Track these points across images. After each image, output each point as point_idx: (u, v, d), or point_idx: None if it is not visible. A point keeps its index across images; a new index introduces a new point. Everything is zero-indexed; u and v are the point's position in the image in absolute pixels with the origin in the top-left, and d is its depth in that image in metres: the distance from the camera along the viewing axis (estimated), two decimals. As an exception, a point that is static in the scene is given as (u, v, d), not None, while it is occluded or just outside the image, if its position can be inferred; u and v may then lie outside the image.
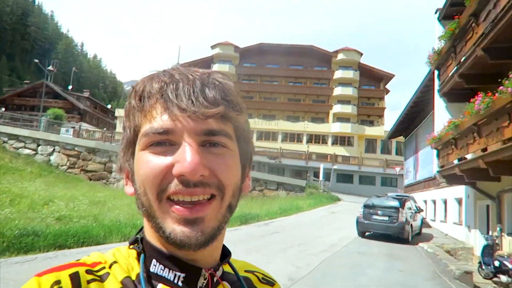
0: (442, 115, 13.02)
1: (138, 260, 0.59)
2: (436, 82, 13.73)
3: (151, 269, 0.58)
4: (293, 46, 50.05)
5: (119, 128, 46.27)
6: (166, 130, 0.54)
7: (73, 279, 0.51)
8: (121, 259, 0.59)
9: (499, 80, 7.12)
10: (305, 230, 13.89)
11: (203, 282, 0.59)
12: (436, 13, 14.25)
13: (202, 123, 0.54)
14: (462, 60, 10.48)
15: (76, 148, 21.16)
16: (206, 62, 50.71)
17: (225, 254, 0.66)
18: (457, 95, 12.40)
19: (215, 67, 49.65)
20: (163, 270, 0.57)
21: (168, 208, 0.54)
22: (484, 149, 8.39)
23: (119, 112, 48.84)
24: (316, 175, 35.18)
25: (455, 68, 11.11)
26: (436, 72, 13.69)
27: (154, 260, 0.58)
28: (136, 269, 0.58)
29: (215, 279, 0.61)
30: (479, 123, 8.42)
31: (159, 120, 0.54)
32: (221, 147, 0.56)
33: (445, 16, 13.12)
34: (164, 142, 0.54)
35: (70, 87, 54.09)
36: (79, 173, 20.84)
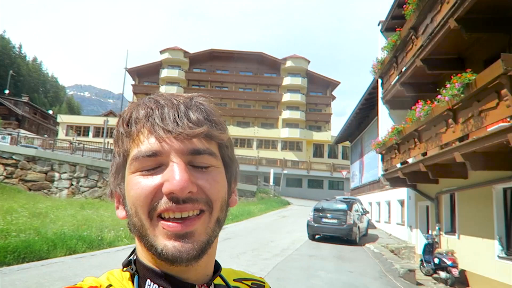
0: (385, 121, 13.71)
1: (132, 282, 0.60)
2: (380, 90, 14.45)
3: None
4: (243, 53, 50.42)
5: (61, 134, 43.85)
6: (154, 152, 0.56)
7: None
8: (116, 282, 0.60)
9: (437, 89, 7.64)
10: (258, 235, 13.98)
11: None
12: (379, 25, 15.03)
13: (187, 143, 0.57)
14: (403, 70, 11.11)
15: (14, 157, 19.70)
16: (155, 67, 49.64)
17: (216, 267, 0.67)
18: (399, 103, 13.13)
19: (164, 72, 48.74)
20: None
21: (159, 225, 0.55)
22: (424, 154, 8.94)
23: (62, 118, 46.32)
24: (267, 180, 35.58)
25: (397, 77, 11.75)
26: (379, 81, 14.40)
27: (148, 280, 0.59)
28: None
29: None
30: (419, 129, 8.96)
31: (147, 143, 0.57)
32: (207, 165, 0.59)
33: (387, 28, 13.88)
34: (152, 165, 0.57)
35: (6, 91, 50.24)
36: (18, 183, 19.41)
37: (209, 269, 0.64)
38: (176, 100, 0.60)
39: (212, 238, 0.59)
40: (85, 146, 26.17)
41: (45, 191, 19.72)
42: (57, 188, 20.05)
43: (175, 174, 0.54)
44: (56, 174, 20.19)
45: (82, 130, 44.65)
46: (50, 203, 15.24)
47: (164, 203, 0.55)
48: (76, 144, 26.90)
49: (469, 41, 8.49)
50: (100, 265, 7.60)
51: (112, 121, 38.29)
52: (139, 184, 0.56)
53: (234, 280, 0.73)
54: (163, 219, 0.55)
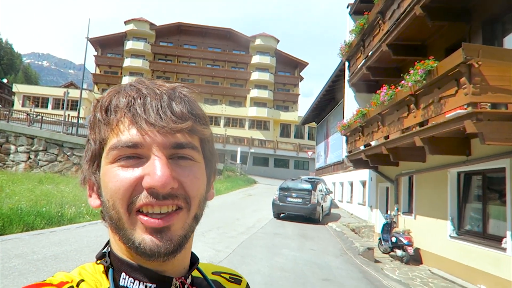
0: (351, 104, 13.98)
1: (106, 275, 0.58)
2: (347, 73, 14.66)
3: (121, 283, 0.58)
4: (212, 28, 49.36)
5: (17, 105, 41.66)
6: (135, 143, 0.54)
7: None
8: (88, 276, 0.58)
9: (401, 74, 7.85)
10: (224, 213, 14.08)
11: None
12: (347, 7, 15.10)
13: (170, 137, 0.55)
14: (369, 53, 11.31)
15: (-36, 128, 18.61)
16: (119, 38, 47.73)
17: (193, 260, 0.67)
18: (364, 86, 13.40)
19: (129, 44, 47.01)
20: (133, 283, 0.57)
21: (137, 219, 0.54)
22: (387, 137, 9.24)
23: (18, 88, 43.90)
24: (233, 158, 35.66)
25: (363, 60, 11.95)
26: (346, 63, 14.59)
27: (123, 274, 0.58)
28: (104, 284, 0.57)
29: (185, 286, 0.62)
30: (383, 113, 9.22)
31: (127, 134, 0.55)
32: (188, 160, 0.58)
33: (356, 11, 13.98)
34: (133, 156, 0.55)
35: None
36: (-31, 156, 18.42)
37: (186, 262, 0.64)
38: (159, 89, 0.58)
39: (189, 233, 0.59)
40: (43, 118, 25.03)
41: (0, 164, 18.83)
42: (13, 161, 19.18)
43: (156, 169, 0.53)
44: (12, 147, 19.28)
45: (40, 101, 42.57)
46: (6, 177, 14.60)
47: (144, 198, 0.53)
48: (34, 115, 25.67)
49: (432, 28, 8.72)
50: (60, 242, 7.43)
51: (73, 93, 36.78)
52: (117, 176, 0.54)
53: (212, 273, 0.74)
54: (142, 213, 0.54)
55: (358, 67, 12.61)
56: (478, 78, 5.71)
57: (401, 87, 7.78)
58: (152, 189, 0.53)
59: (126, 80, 45.41)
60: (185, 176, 0.56)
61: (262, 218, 13.90)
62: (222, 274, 0.75)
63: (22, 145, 19.45)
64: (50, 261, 5.99)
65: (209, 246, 8.40)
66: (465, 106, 5.88)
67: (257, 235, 10.61)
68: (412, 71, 7.19)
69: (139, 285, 0.57)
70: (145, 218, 0.54)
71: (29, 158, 19.47)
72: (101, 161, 0.58)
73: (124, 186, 0.54)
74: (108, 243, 0.63)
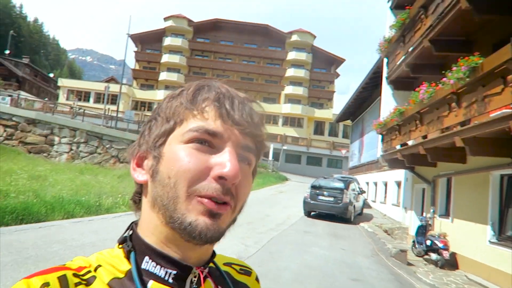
0: (388, 101, 13.60)
1: (127, 258, 0.60)
2: (385, 70, 14.26)
3: (143, 266, 0.59)
4: (249, 24, 49.56)
5: (62, 98, 43.61)
6: (217, 133, 0.58)
7: (61, 281, 0.52)
8: (104, 261, 0.60)
9: (443, 71, 7.52)
10: (254, 208, 14.12)
11: (193, 280, 0.61)
12: (388, 1, 14.67)
13: (244, 139, 0.60)
14: (410, 50, 10.93)
15: (14, 119, 19.64)
16: (158, 35, 48.86)
17: (212, 253, 0.68)
18: (403, 83, 12.98)
19: (168, 40, 48.01)
20: (155, 267, 0.59)
21: (195, 201, 0.56)
22: (425, 136, 8.91)
23: (63, 82, 45.96)
24: (266, 154, 35.65)
25: (403, 57, 11.57)
26: (385, 60, 14.19)
27: (146, 257, 0.60)
28: (124, 267, 0.59)
29: (204, 275, 0.63)
30: (421, 111, 8.89)
31: (212, 122, 0.58)
32: (247, 163, 0.61)
33: (397, 5, 13.55)
34: (206, 141, 0.58)
35: (7, 51, 49.52)
36: (17, 145, 19.42)
37: (208, 254, 0.65)
38: (240, 96, 0.63)
39: (227, 230, 0.61)
40: (85, 111, 26.06)
41: (44, 154, 19.79)
42: (56, 152, 20.10)
43: (230, 160, 0.56)
44: (56, 138, 20.20)
45: (83, 95, 44.38)
46: (50, 167, 15.33)
47: (212, 190, 0.55)
48: (77, 109, 26.79)
49: (479, 23, 8.27)
50: (97, 230, 7.71)
51: (113, 87, 38.02)
52: (191, 157, 0.56)
53: (224, 264, 0.75)
54: (202, 196, 0.56)
55: (397, 63, 12.23)
56: (527, 75, 5.38)
57: (442, 84, 7.47)
58: (222, 179, 0.55)
59: (163, 75, 46.48)
60: (242, 179, 0.59)
61: (292, 215, 13.82)
62: (233, 266, 0.77)
63: (65, 137, 20.34)
64: (88, 248, 6.22)
65: (239, 241, 8.44)
66: (511, 106, 5.56)
67: (287, 232, 10.56)
68: (454, 68, 6.88)
69: (160, 269, 0.59)
70: (206, 200, 0.56)
71: (71, 149, 20.33)
72: (168, 139, 0.60)
73: (195, 169, 0.56)
74: (129, 227, 0.64)
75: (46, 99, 37.32)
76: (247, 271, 0.78)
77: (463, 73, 6.60)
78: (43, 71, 62.74)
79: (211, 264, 0.69)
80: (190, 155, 0.57)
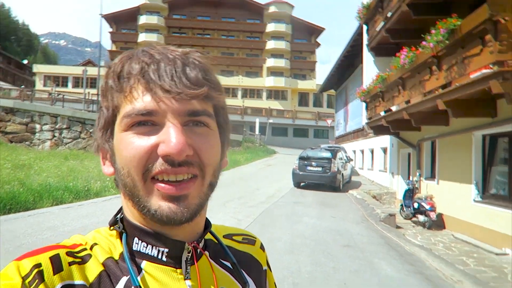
0: (370, 69, 13.62)
1: (121, 239, 0.59)
2: (365, 37, 14.20)
3: (134, 247, 0.59)
4: (225, -3, 48.38)
5: (39, 85, 42.42)
6: (150, 111, 0.54)
7: (53, 261, 0.51)
8: (102, 240, 0.60)
9: (422, 35, 7.53)
10: (244, 183, 14.25)
11: (187, 256, 0.60)
12: (365, -33, 14.43)
13: (185, 104, 0.54)
14: (388, 15, 10.87)
15: (-10, 109, 19.12)
16: (132, 13, 47.41)
17: (206, 225, 0.67)
18: (384, 50, 12.97)
19: (143, 18, 46.69)
20: (146, 247, 0.59)
21: (153, 187, 0.54)
22: (408, 102, 9.01)
23: (38, 68, 44.57)
24: (252, 129, 35.70)
25: (382, 23, 11.51)
26: (365, 27, 14.11)
27: (136, 239, 0.59)
28: (118, 248, 0.59)
29: (198, 251, 0.62)
30: (403, 76, 8.94)
31: (141, 101, 0.54)
32: (203, 126, 0.57)
33: (374, -30, 13.36)
34: (147, 122, 0.54)
35: (-26, 40, 47.56)
36: (-3, 136, 19.02)
37: (199, 228, 0.64)
38: (172, 55, 0.56)
39: (205, 201, 0.59)
40: (65, 96, 25.45)
41: (27, 143, 19.41)
42: (39, 139, 19.74)
43: (171, 136, 0.52)
44: (37, 126, 19.79)
45: (61, 81, 43.19)
46: (33, 155, 15.07)
47: (159, 165, 0.53)
48: (56, 94, 26.13)
49: (457, -16, 8.26)
50: (88, 215, 7.70)
51: (91, 70, 37.06)
52: (132, 144, 0.54)
53: (223, 236, 0.74)
54: (158, 180, 0.54)
55: (377, 30, 12.18)
56: (505, 34, 5.43)
57: (423, 48, 7.50)
58: (167, 156, 0.53)
59: (142, 55, 45.34)
60: (200, 144, 0.56)
61: (282, 187, 13.99)
62: (234, 237, 0.75)
63: (46, 124, 19.93)
64: (80, 232, 6.20)
65: (231, 216, 8.55)
66: (491, 65, 5.63)
67: (278, 204, 10.72)
68: (433, 31, 6.89)
69: (152, 249, 0.58)
70: (162, 185, 0.54)
71: (54, 136, 19.98)
72: (114, 129, 0.57)
73: (139, 154, 0.54)
74: (120, 209, 0.63)
75: (23, 86, 36.16)
76: (250, 240, 0.77)
77: (442, 35, 6.62)
78: (16, 58, 60.58)
79: (209, 236, 0.68)
80: (132, 142, 0.54)
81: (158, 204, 0.54)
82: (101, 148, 0.61)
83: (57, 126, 20.03)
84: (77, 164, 14.30)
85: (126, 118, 0.54)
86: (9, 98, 24.93)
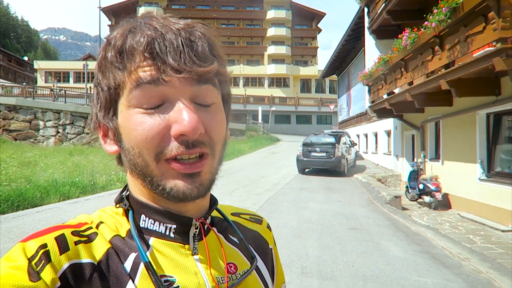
0: (372, 52, 13.50)
1: (127, 217, 0.59)
2: (366, 20, 14.05)
3: (141, 224, 0.59)
4: (223, -15, 47.84)
5: (40, 81, 42.47)
6: (160, 89, 0.52)
7: (59, 241, 0.50)
8: (108, 218, 0.60)
9: (424, 15, 7.44)
10: (249, 172, 14.29)
11: (195, 231, 0.61)
12: None
13: (194, 82, 0.54)
14: (389, -4, 10.72)
15: (-7, 107, 19.21)
16: (131, 5, 47.08)
17: (212, 202, 0.67)
18: (385, 32, 12.84)
19: (142, 10, 46.15)
20: (153, 224, 0.59)
21: (167, 166, 0.54)
22: (411, 83, 8.93)
23: (39, 64, 44.55)
24: (255, 117, 35.64)
25: (383, 4, 11.37)
26: (366, 10, 13.95)
27: (143, 216, 0.59)
28: (125, 226, 0.59)
29: (205, 226, 0.63)
30: (406, 58, 8.86)
31: (149, 78, 0.52)
32: (211, 104, 0.57)
33: (373, -49, 13.15)
34: (158, 104, 0.54)
35: (-26, 38, 47.57)
36: (1, 133, 19.15)
37: (205, 204, 0.64)
38: (176, 27, 0.54)
39: (215, 176, 0.59)
40: (67, 92, 25.50)
41: (31, 140, 19.56)
42: (43, 136, 19.86)
43: (184, 115, 0.52)
44: (41, 122, 19.91)
45: (62, 76, 43.18)
46: (38, 152, 15.18)
47: (175, 148, 0.52)
48: (57, 90, 26.15)
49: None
50: (95, 208, 7.43)
51: (92, 65, 36.91)
52: (144, 124, 0.52)
53: (232, 214, 0.75)
54: (173, 160, 0.54)
55: (378, 12, 12.04)
56: (508, 11, 5.35)
57: (424, 28, 7.40)
58: (182, 136, 0.52)
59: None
60: (210, 121, 0.55)
61: (287, 174, 14.02)
62: (241, 215, 0.77)
63: (50, 120, 20.03)
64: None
65: (237, 204, 8.54)
66: (494, 43, 5.57)
67: (283, 190, 10.75)
68: (435, 10, 6.80)
69: (159, 226, 0.58)
70: (177, 164, 0.53)
71: (58, 132, 20.08)
72: (118, 107, 0.56)
73: (152, 135, 0.52)
74: (125, 187, 0.63)
75: (24, 83, 36.18)
76: (257, 219, 0.78)
77: (444, 14, 6.53)
78: (17, 55, 60.58)
79: (216, 214, 0.69)
80: (143, 122, 0.53)
81: (174, 182, 0.54)
82: (103, 126, 0.59)
83: (60, 122, 20.12)
84: (82, 159, 14.39)
85: (134, 97, 0.53)
86: (11, 95, 25.01)
